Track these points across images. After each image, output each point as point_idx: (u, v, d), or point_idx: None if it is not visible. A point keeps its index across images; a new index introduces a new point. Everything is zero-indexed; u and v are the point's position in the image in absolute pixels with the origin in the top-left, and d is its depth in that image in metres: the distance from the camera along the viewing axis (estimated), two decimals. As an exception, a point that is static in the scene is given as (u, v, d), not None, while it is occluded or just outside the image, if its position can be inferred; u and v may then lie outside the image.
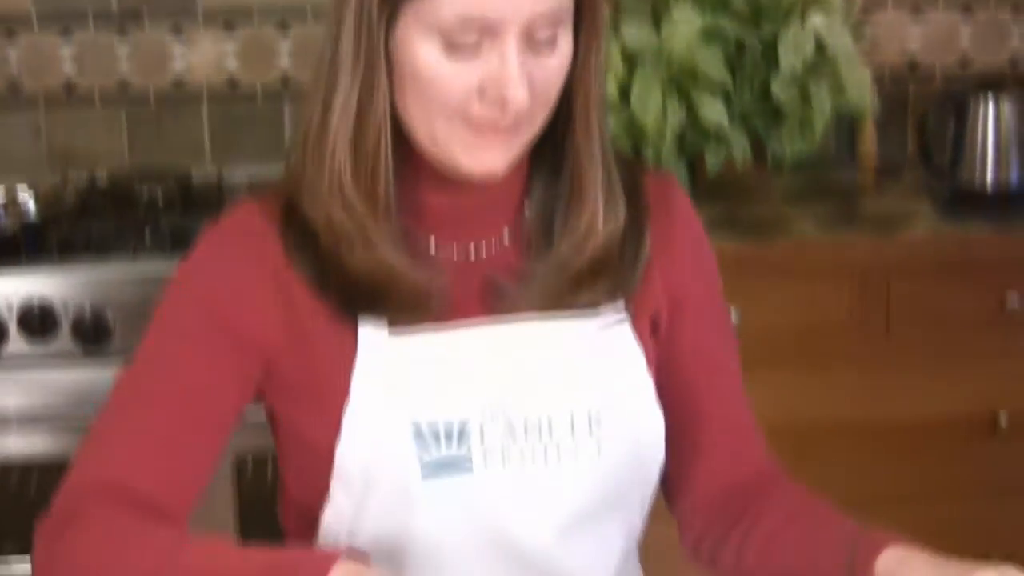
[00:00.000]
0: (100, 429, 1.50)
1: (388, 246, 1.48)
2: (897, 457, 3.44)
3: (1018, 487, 3.51)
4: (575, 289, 1.54)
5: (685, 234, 1.64)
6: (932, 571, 1.43)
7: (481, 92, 1.43)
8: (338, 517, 1.52)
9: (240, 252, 1.52)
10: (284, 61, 3.54)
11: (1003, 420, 3.43)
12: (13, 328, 3.07)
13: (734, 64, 3.25)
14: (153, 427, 1.48)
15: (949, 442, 3.45)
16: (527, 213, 1.57)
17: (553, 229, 1.55)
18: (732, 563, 1.62)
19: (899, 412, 3.42)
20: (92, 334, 3.14)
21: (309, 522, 1.55)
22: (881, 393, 3.41)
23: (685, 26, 3.14)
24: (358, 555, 1.35)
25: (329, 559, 1.32)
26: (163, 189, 3.38)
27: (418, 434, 1.49)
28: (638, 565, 1.69)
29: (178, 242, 3.04)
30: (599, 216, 1.53)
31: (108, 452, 1.48)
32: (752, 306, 3.06)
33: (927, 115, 3.53)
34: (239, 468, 3.18)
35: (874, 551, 1.46)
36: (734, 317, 1.71)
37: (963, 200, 3.52)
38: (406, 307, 1.50)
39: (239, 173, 3.49)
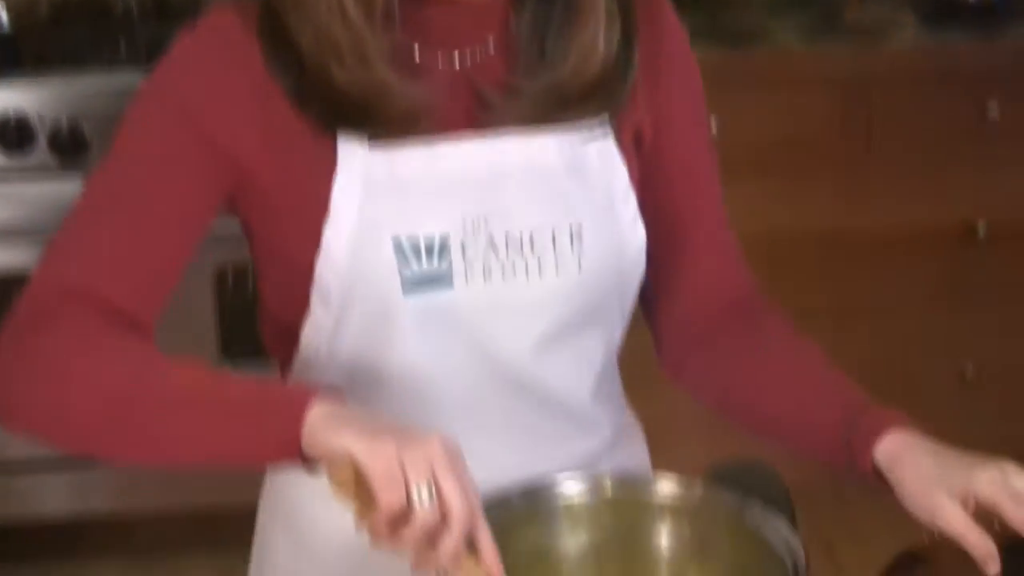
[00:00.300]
0: (67, 233, 1.48)
1: (382, 62, 1.46)
2: (876, 267, 3.46)
3: (995, 296, 3.54)
4: (564, 107, 1.53)
5: (673, 54, 1.62)
6: (933, 464, 1.42)
7: None
8: (318, 331, 1.53)
9: (217, 57, 1.50)
10: None
11: (982, 230, 3.45)
12: (-11, 141, 3.06)
13: None
14: (120, 233, 1.47)
15: (928, 252, 3.47)
16: (515, 28, 1.55)
17: (545, 47, 1.53)
18: (716, 398, 1.62)
19: (879, 222, 3.43)
20: (69, 147, 3.12)
21: (288, 335, 1.55)
22: (861, 203, 3.42)
23: None
24: (333, 391, 1.35)
25: (306, 399, 1.32)
26: (137, -1, 3.34)
27: (399, 249, 1.48)
28: (617, 376, 1.70)
29: (154, 53, 2.99)
30: (600, 37, 1.51)
31: (74, 257, 1.47)
32: (733, 117, 3.06)
33: (911, -78, 3.49)
34: (219, 279, 3.19)
35: (874, 435, 1.46)
36: (714, 128, 1.69)
37: (945, 10, 3.50)
38: (393, 123, 1.48)
39: (215, -17, 3.45)
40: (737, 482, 1.44)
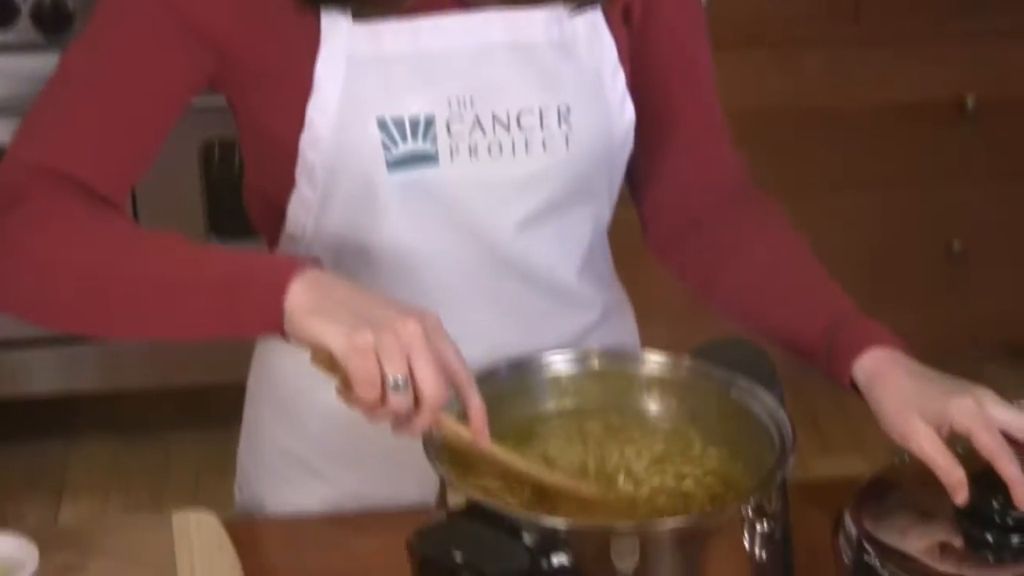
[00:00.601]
0: (39, 112, 1.47)
1: None
2: (864, 141, 3.46)
3: (982, 171, 3.54)
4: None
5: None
6: (910, 387, 1.41)
7: None
8: (303, 208, 1.52)
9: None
10: None
11: (970, 103, 3.44)
12: (-28, 17, 3.03)
13: None
14: (92, 114, 1.45)
15: (916, 126, 3.46)
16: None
17: None
18: (700, 286, 1.62)
19: (867, 96, 3.42)
20: (53, 21, 3.10)
21: (274, 212, 1.55)
22: (849, 77, 3.40)
23: None
24: (313, 262, 1.34)
25: (286, 276, 1.31)
26: None
27: (383, 128, 1.47)
28: (607, 254, 1.69)
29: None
30: None
31: (46, 137, 1.45)
32: (721, -10, 3.03)
33: None
34: (206, 153, 3.18)
35: (854, 350, 1.46)
36: (703, 1, 1.68)
37: None
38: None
39: None
40: (725, 358, 1.45)
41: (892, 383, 1.42)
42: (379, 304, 1.31)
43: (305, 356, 1.32)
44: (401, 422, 1.30)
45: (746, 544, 1.27)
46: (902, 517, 1.41)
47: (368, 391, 1.27)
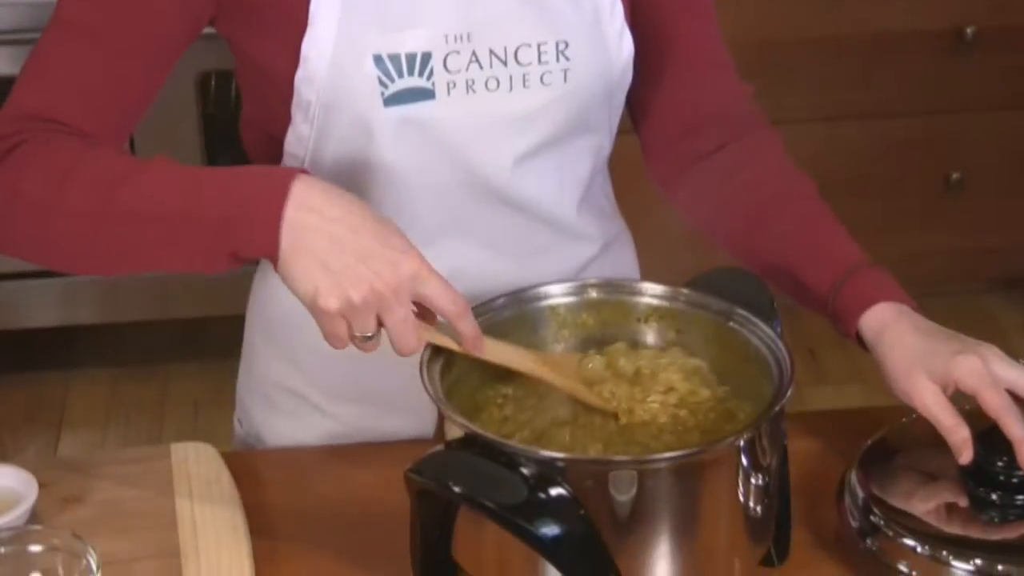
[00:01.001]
0: (37, 59, 1.46)
1: None
2: (862, 71, 3.44)
3: (980, 102, 3.53)
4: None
5: None
6: (916, 345, 1.40)
7: None
8: (299, 144, 1.51)
9: None
10: None
11: (969, 33, 3.42)
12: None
13: None
14: (89, 61, 1.44)
15: (915, 56, 3.45)
16: None
17: None
18: (702, 221, 1.61)
19: (865, 25, 3.40)
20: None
21: (271, 146, 1.54)
22: (848, 6, 3.39)
23: None
24: (304, 179, 1.34)
25: (283, 184, 1.31)
26: None
27: (380, 64, 1.47)
28: (608, 186, 1.69)
29: None
30: None
31: (44, 85, 1.44)
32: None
33: None
34: (202, 84, 3.17)
35: (860, 306, 1.45)
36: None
37: None
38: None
39: None
40: (723, 289, 1.44)
41: (898, 340, 1.42)
42: (355, 252, 1.30)
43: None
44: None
45: (743, 475, 1.28)
46: (907, 478, 1.41)
47: (336, 344, 1.31)
